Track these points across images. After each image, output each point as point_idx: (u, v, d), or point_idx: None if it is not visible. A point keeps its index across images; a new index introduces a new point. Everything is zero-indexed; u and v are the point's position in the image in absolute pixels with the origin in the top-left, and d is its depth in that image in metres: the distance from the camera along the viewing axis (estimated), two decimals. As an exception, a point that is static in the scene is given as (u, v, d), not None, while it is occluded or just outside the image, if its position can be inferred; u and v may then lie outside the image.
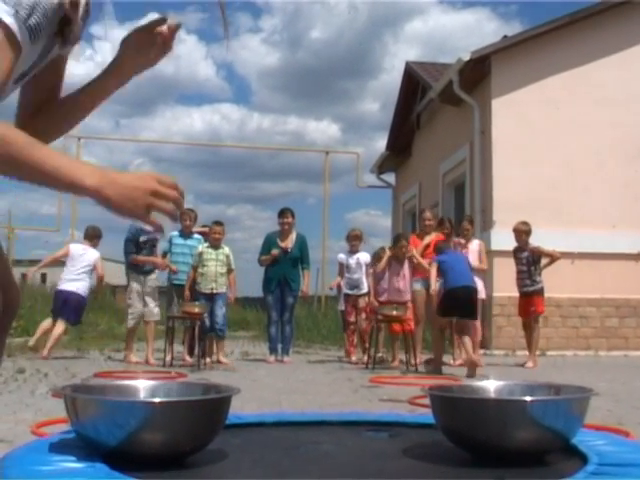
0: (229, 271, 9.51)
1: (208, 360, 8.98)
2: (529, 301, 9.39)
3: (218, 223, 9.60)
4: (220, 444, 1.93)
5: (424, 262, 9.01)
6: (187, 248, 9.58)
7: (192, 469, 1.78)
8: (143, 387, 2.02)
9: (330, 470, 1.83)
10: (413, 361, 8.76)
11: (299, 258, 9.87)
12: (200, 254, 9.33)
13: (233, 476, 1.74)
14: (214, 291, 9.28)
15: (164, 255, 9.75)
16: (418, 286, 9.40)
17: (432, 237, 9.44)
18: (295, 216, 9.94)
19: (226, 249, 9.50)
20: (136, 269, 9.40)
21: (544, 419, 1.80)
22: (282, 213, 9.85)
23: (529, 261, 9.35)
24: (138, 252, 9.30)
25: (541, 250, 9.42)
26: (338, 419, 2.47)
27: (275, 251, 9.68)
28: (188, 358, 9.26)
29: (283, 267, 9.76)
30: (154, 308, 9.45)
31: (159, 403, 1.77)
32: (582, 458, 1.84)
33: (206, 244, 9.43)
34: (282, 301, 9.80)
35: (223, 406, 1.87)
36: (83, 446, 1.79)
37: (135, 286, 9.37)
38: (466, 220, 9.97)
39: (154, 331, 9.60)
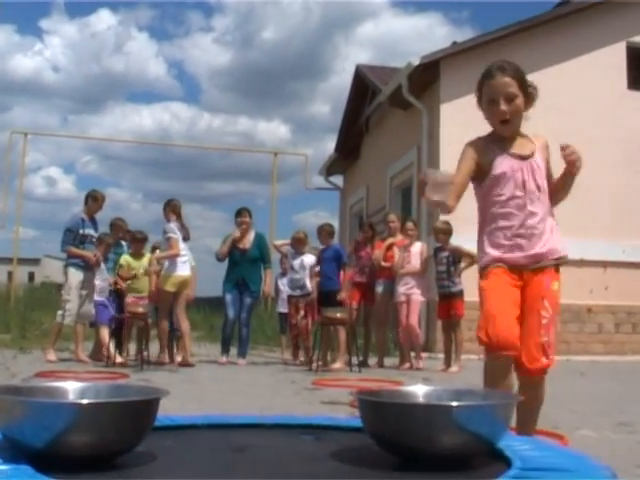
0: None
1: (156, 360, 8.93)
2: (449, 304, 9.18)
3: None
4: (149, 446, 1.93)
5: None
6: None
7: (120, 470, 1.78)
8: (72, 389, 2.01)
9: (255, 471, 1.84)
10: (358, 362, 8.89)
11: (259, 258, 9.79)
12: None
13: (160, 477, 1.74)
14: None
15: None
16: (380, 289, 9.58)
17: (397, 239, 9.61)
18: (252, 215, 9.89)
19: None
20: (78, 264, 9.05)
21: (469, 424, 1.83)
22: (239, 213, 9.74)
23: (448, 261, 9.17)
24: (78, 246, 9.05)
25: (461, 250, 9.13)
26: (269, 422, 2.48)
27: (236, 233, 9.62)
28: (118, 358, 9.02)
29: (242, 268, 9.64)
30: (91, 309, 9.17)
31: (86, 404, 1.76)
32: (506, 462, 1.88)
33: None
34: (241, 301, 9.72)
35: (151, 408, 1.88)
36: (9, 447, 1.77)
37: (75, 282, 9.01)
38: (410, 221, 9.92)
39: (85, 332, 9.40)
